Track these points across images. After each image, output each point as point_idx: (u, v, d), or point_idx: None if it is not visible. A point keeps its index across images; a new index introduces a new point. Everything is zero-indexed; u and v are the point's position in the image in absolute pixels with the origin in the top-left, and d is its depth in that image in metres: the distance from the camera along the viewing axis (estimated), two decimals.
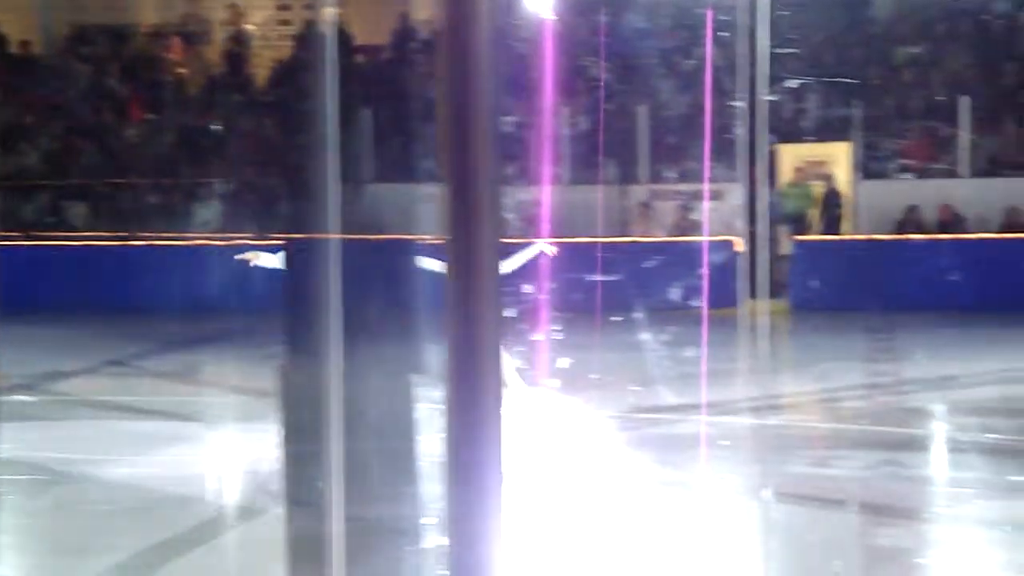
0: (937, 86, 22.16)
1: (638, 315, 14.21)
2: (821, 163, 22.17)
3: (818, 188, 21.62)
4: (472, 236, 1.77)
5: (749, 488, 9.23)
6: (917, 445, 10.82)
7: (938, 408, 12.55)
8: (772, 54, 21.33)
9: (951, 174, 21.19)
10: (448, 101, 1.82)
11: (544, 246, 10.45)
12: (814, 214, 21.51)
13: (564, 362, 10.93)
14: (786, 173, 22.07)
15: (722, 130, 21.37)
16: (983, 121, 21.38)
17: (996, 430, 11.07)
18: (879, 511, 8.75)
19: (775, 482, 9.42)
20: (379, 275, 4.10)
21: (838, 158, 21.98)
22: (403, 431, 3.99)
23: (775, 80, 19.52)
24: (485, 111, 1.81)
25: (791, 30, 22.90)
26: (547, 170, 21.15)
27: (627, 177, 21.69)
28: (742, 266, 20.26)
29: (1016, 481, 9.40)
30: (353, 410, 3.25)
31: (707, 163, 19.54)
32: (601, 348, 14.16)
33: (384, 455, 4.01)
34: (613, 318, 14.86)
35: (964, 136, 21.09)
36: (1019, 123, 21.42)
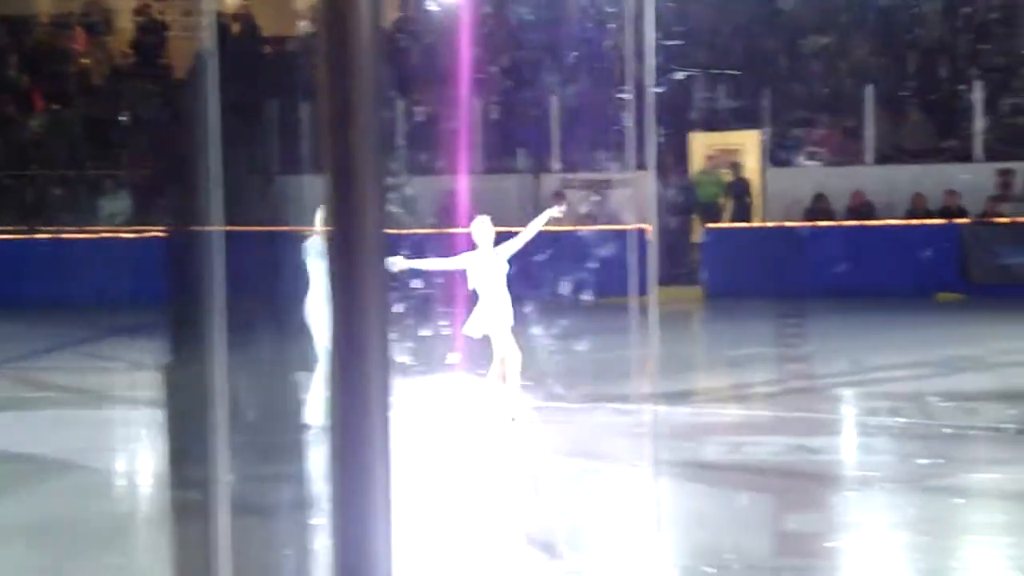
0: (843, 75, 22.43)
1: (541, 305, 14.20)
2: (732, 151, 22.35)
3: (728, 176, 21.79)
4: (355, 228, 1.74)
5: (658, 474, 9.28)
6: (826, 430, 10.93)
7: (848, 393, 12.70)
8: (677, 45, 21.51)
9: (858, 162, 21.47)
10: (328, 94, 1.78)
11: (554, 211, 11.33)
12: (725, 202, 21.69)
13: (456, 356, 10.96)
14: (698, 161, 22.23)
15: (630, 120, 21.46)
16: (888, 109, 21.68)
17: (904, 414, 11.22)
18: (787, 494, 8.83)
19: (683, 465, 9.49)
20: (268, 269, 4.05)
21: (748, 146, 22.18)
22: (289, 426, 3.95)
23: (677, 71, 19.64)
24: (367, 104, 1.78)
25: (700, 21, 23.08)
26: (461, 159, 21.10)
27: (539, 166, 21.71)
28: (653, 254, 20.37)
29: (922, 464, 9.53)
30: (238, 406, 3.21)
31: (594, 153, 19.59)
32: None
33: (270, 449, 3.98)
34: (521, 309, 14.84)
35: (869, 124, 21.38)
36: (923, 111, 21.75)
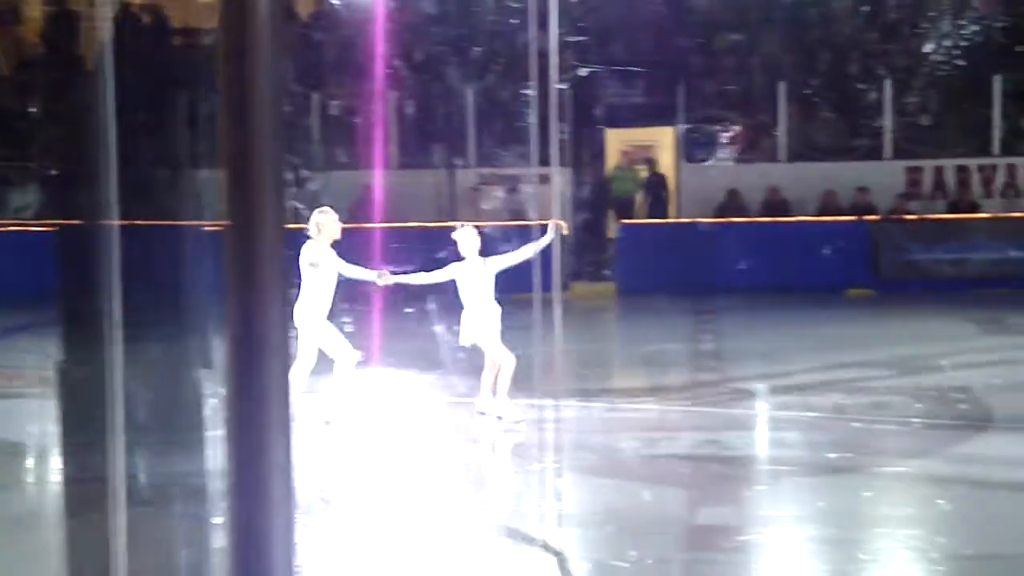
0: (755, 72, 22.65)
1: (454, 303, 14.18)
2: (646, 147, 22.49)
3: (644, 172, 21.91)
4: (253, 222, 1.70)
5: (570, 467, 9.29)
6: (738, 424, 11.03)
7: (759, 387, 12.81)
8: (587, 41, 21.48)
9: (770, 159, 21.69)
10: (226, 86, 1.74)
11: (558, 225, 10.84)
12: (640, 198, 21.80)
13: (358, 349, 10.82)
14: (613, 157, 22.33)
15: (542, 116, 21.44)
16: (799, 107, 21.93)
17: (815, 408, 11.35)
18: (698, 489, 8.90)
19: (594, 461, 9.52)
20: (166, 263, 4.00)
21: (663, 143, 22.33)
22: (190, 424, 3.90)
23: (582, 67, 19.69)
24: (265, 96, 1.74)
25: (613, 18, 23.17)
26: (376, 154, 21.00)
27: (455, 162, 21.67)
28: (568, 249, 20.43)
29: (832, 458, 9.65)
30: (135, 405, 3.16)
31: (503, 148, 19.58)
32: (421, 336, 14.12)
33: (171, 448, 3.92)
34: (422, 307, 14.80)
35: (782, 121, 21.61)
36: (834, 109, 22.03)
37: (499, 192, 21.21)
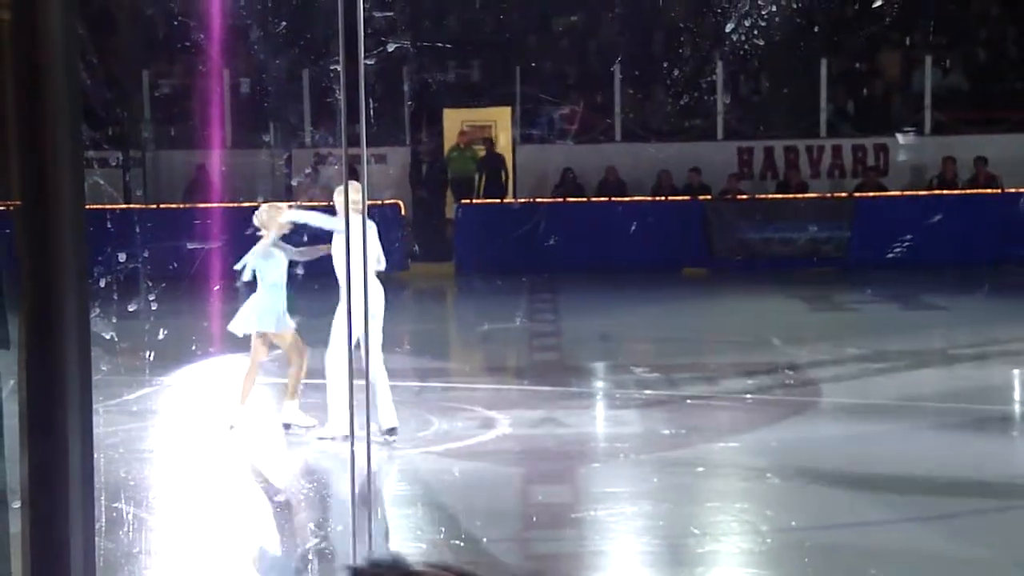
0: (592, 54, 22.85)
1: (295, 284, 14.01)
2: (484, 127, 22.51)
3: (482, 152, 21.94)
4: (48, 203, 1.62)
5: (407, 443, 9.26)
6: (575, 403, 11.12)
7: (596, 366, 12.95)
8: (392, 16, 21.34)
9: (606, 139, 21.91)
10: (16, 60, 1.65)
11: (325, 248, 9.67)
12: (479, 177, 21.82)
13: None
14: (451, 137, 22.29)
15: (389, 94, 21.34)
16: (634, 88, 22.20)
17: (650, 386, 11.51)
18: (535, 467, 8.95)
19: (431, 441, 9.50)
20: None
21: (500, 123, 22.37)
22: None
23: (389, 43, 19.59)
24: (57, 72, 1.65)
25: None
26: (210, 133, 20.61)
27: (291, 141, 21.39)
28: (407, 230, 20.36)
29: (666, 435, 9.79)
30: None
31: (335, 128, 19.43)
32: None
33: None
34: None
35: (617, 102, 21.84)
36: (667, 90, 22.35)
37: (335, 171, 21.01)
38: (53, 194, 1.63)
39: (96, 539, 1.78)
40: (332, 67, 15.95)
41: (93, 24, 22.51)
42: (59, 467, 1.67)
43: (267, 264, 9.73)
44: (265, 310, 9.72)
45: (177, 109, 21.67)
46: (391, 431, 9.35)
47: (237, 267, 9.86)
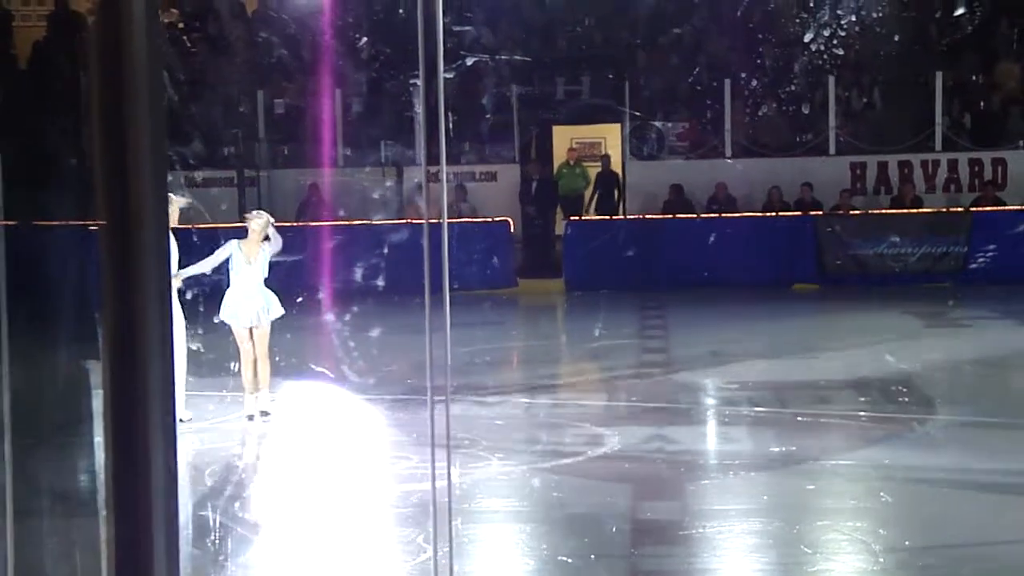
0: (701, 69, 22.74)
1: (395, 299, 14.19)
2: (594, 144, 22.52)
3: (593, 169, 21.94)
4: (130, 224, 1.68)
5: (523, 463, 9.30)
6: (684, 419, 11.06)
7: (706, 382, 12.87)
8: (536, 36, 21.34)
9: (716, 155, 21.79)
10: (100, 85, 1.70)
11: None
12: (588, 194, 21.83)
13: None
14: (560, 154, 22.34)
15: (494, 112, 21.48)
16: (745, 104, 22.04)
17: (760, 403, 11.41)
18: (644, 483, 8.92)
19: (540, 455, 9.52)
20: (54, 262, 3.96)
21: (610, 139, 22.37)
22: (77, 418, 3.87)
23: (466, 56, 19.62)
24: (143, 95, 1.71)
25: (560, 12, 23.16)
26: (322, 152, 20.91)
27: (402, 159, 21.60)
28: (517, 246, 20.45)
29: (776, 452, 9.70)
30: (24, 400, 3.12)
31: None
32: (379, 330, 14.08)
33: (57, 444, 3.88)
34: (392, 299, 14.76)
35: (727, 118, 21.70)
36: (778, 105, 22.16)
37: (448, 188, 21.16)
38: (136, 215, 1.69)
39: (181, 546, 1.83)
40: (411, 83, 16.07)
41: (211, 46, 23.00)
42: (142, 477, 1.72)
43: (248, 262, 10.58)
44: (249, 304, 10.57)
45: (290, 128, 22.02)
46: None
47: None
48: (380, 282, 15.84)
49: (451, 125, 20.53)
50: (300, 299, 12.37)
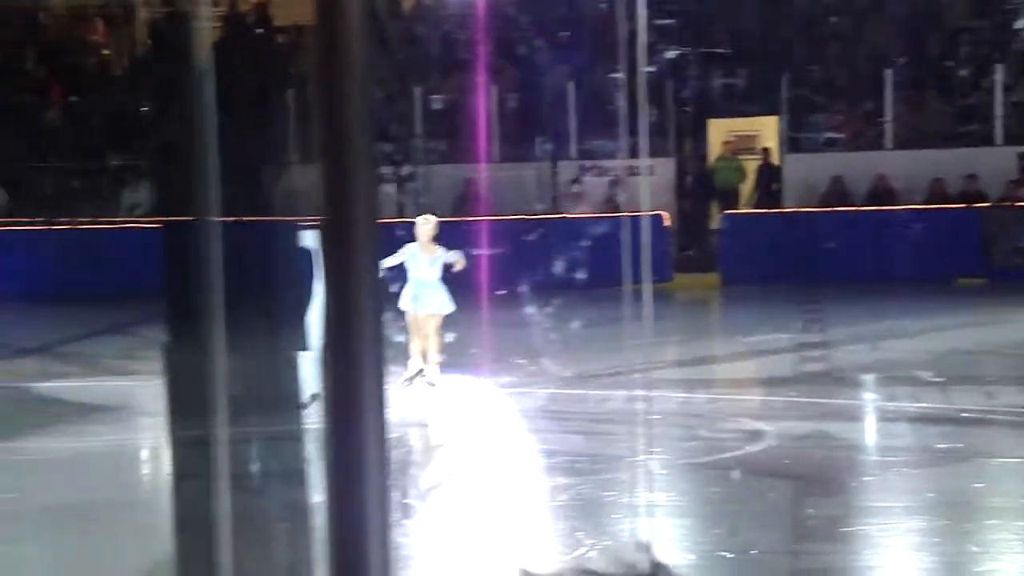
0: (861, 59, 22.32)
1: (553, 292, 14.28)
2: (750, 137, 22.29)
3: (749, 162, 21.73)
4: (346, 216, 1.75)
5: (684, 456, 9.27)
6: (845, 415, 10.90)
7: (867, 378, 12.66)
8: (672, 25, 21.27)
9: (876, 147, 21.37)
10: (320, 82, 1.78)
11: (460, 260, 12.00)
12: (744, 188, 21.62)
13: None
14: (715, 147, 22.17)
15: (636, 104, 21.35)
16: (907, 94, 21.57)
17: (924, 399, 11.18)
18: (804, 480, 8.82)
19: (699, 451, 9.48)
20: (265, 255, 4.09)
21: (766, 132, 22.11)
22: (289, 409, 3.99)
23: (668, 51, 19.55)
24: (357, 92, 1.77)
25: (718, 4, 22.98)
26: (479, 148, 21.10)
27: (557, 154, 21.68)
28: (671, 240, 20.36)
29: (941, 448, 9.50)
30: (238, 390, 3.24)
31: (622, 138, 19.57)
32: (526, 325, 14.17)
33: (270, 434, 4.00)
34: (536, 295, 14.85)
35: (888, 109, 21.27)
36: (941, 96, 21.63)
37: (602, 183, 21.16)
38: (351, 209, 1.76)
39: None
40: (611, 76, 16.13)
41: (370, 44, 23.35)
42: (358, 468, 1.79)
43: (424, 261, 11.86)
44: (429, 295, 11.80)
45: (447, 124, 22.25)
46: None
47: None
48: (576, 275, 16.10)
49: (612, 119, 20.54)
50: (501, 293, 13.58)
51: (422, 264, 11.75)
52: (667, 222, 20.37)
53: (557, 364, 12.50)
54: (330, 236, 1.75)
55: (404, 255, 11.68)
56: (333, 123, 1.79)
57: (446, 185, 21.63)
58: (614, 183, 20.97)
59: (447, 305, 11.80)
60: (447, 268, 11.85)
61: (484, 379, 12.33)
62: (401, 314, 11.66)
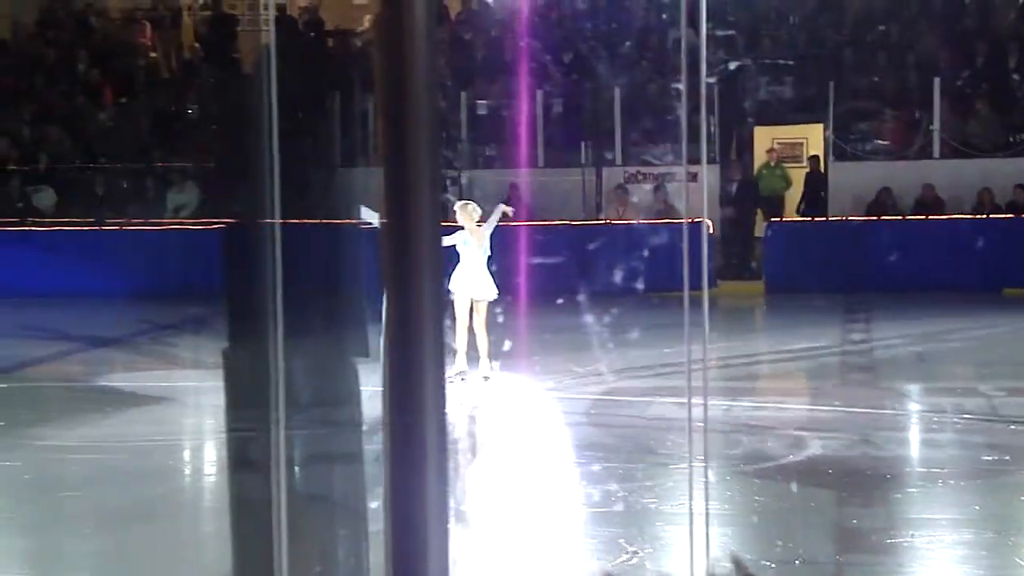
0: (910, 67, 22.17)
1: (601, 298, 14.28)
2: (795, 145, 22.18)
3: (793, 170, 21.62)
4: (410, 219, 1.76)
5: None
6: (890, 425, 10.83)
7: (912, 388, 12.58)
8: (735, 36, 21.18)
9: (923, 156, 21.22)
10: (383, 85, 1.79)
11: (504, 207, 12.71)
12: (789, 195, 21.51)
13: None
14: (760, 155, 22.07)
15: (690, 112, 21.32)
16: (955, 102, 21.41)
17: (969, 410, 11.10)
18: (849, 490, 8.77)
19: (743, 461, 9.44)
20: (324, 259, 4.12)
21: (812, 140, 21.99)
22: (348, 413, 4.01)
23: (731, 61, 19.49)
24: (421, 95, 1.79)
25: (764, 12, 22.90)
26: (523, 153, 21.11)
27: (601, 160, 21.66)
28: (715, 248, 20.28)
29: (987, 460, 9.43)
30: (295, 392, 3.26)
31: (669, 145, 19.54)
32: (567, 330, 14.17)
33: (328, 435, 4.04)
34: (580, 300, 14.83)
35: (936, 117, 21.11)
36: (991, 104, 21.45)
37: (646, 189, 21.13)
38: (414, 212, 1.77)
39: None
40: (673, 85, 16.14)
41: None
42: (417, 470, 1.80)
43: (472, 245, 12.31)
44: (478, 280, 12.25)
45: (492, 129, 22.28)
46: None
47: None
48: (636, 283, 16.16)
49: (650, 125, 20.50)
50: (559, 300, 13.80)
51: (473, 248, 12.19)
52: (711, 229, 20.31)
53: (598, 368, 12.50)
54: (392, 240, 1.76)
55: (456, 239, 12.11)
56: (397, 126, 1.80)
57: (489, 190, 21.66)
58: (658, 189, 20.93)
59: (493, 290, 12.24)
60: (503, 219, 12.53)
61: (527, 381, 12.35)
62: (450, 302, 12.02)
